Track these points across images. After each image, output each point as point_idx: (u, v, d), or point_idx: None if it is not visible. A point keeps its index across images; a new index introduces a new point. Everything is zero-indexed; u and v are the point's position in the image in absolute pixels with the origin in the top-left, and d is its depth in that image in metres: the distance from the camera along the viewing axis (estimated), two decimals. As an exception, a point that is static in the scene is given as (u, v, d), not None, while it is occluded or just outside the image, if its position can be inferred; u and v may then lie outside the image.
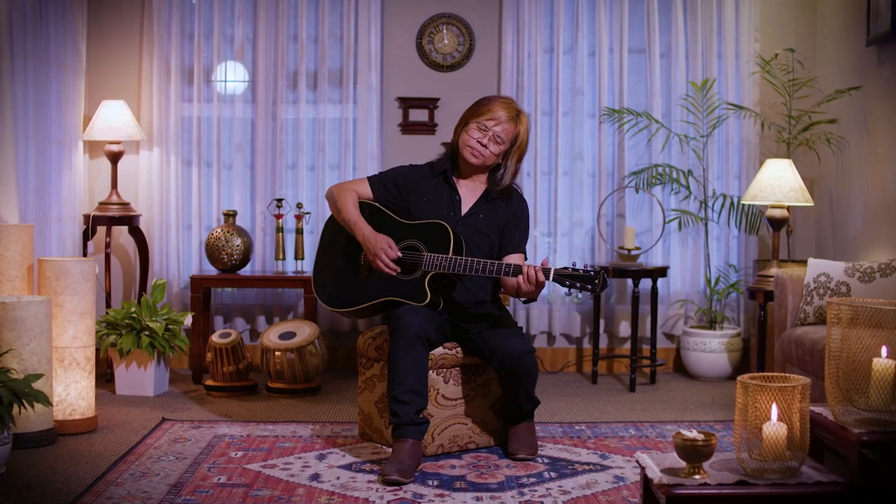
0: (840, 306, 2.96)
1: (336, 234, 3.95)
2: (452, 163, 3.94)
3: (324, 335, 5.53)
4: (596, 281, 3.50)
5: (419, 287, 3.69)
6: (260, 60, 5.60)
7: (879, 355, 2.90)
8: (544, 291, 5.71)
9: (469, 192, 3.93)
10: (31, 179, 4.74)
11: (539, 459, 3.82)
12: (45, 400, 3.62)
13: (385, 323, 3.94)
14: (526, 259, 3.95)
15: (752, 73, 5.62)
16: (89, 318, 4.25)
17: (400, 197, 3.92)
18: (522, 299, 3.67)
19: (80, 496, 3.29)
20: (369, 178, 3.98)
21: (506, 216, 3.91)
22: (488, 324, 3.86)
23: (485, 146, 3.81)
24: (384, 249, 3.73)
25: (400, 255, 3.74)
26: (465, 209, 3.90)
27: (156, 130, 5.55)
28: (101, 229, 5.36)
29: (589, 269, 3.52)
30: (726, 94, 5.64)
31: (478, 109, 3.86)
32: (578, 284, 3.52)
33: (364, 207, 3.91)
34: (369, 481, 3.51)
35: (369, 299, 3.78)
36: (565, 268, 3.56)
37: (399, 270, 3.74)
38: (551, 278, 3.54)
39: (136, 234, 5.48)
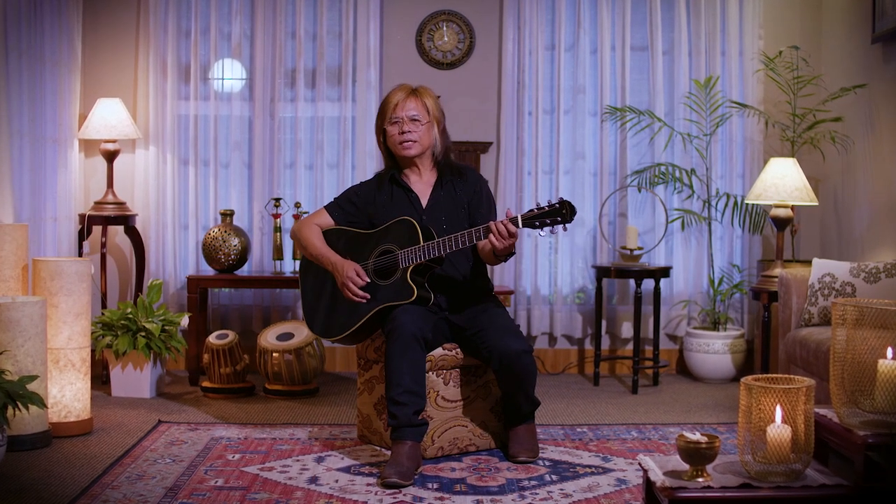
0: (845, 307, 2.96)
1: (311, 269, 4.02)
2: (397, 167, 4.02)
3: (322, 336, 5.52)
4: (563, 211, 3.52)
5: (403, 285, 3.72)
6: (257, 58, 5.60)
7: (885, 357, 2.90)
8: (546, 291, 5.71)
9: (423, 185, 3.99)
10: (25, 178, 4.74)
11: (540, 462, 3.82)
12: (40, 402, 3.62)
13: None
14: None
15: (756, 70, 5.62)
16: (85, 318, 4.25)
17: (359, 213, 4.00)
18: (502, 258, 3.69)
19: (75, 499, 3.29)
20: (326, 207, 4.06)
21: (466, 194, 3.97)
22: (487, 323, 3.84)
23: (408, 132, 3.89)
24: (351, 278, 3.79)
25: (367, 280, 3.79)
26: (424, 202, 3.96)
27: (152, 129, 5.55)
28: (97, 229, 5.36)
29: (553, 202, 3.54)
30: (730, 92, 5.64)
31: (382, 112, 3.96)
32: (549, 220, 3.53)
33: (333, 234, 3.99)
34: (368, 484, 3.51)
35: (360, 318, 3.80)
36: (530, 210, 3.58)
37: (368, 297, 3.78)
38: (520, 225, 3.56)
39: (133, 233, 5.48)
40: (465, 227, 3.90)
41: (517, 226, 3.56)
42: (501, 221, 3.58)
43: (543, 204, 3.56)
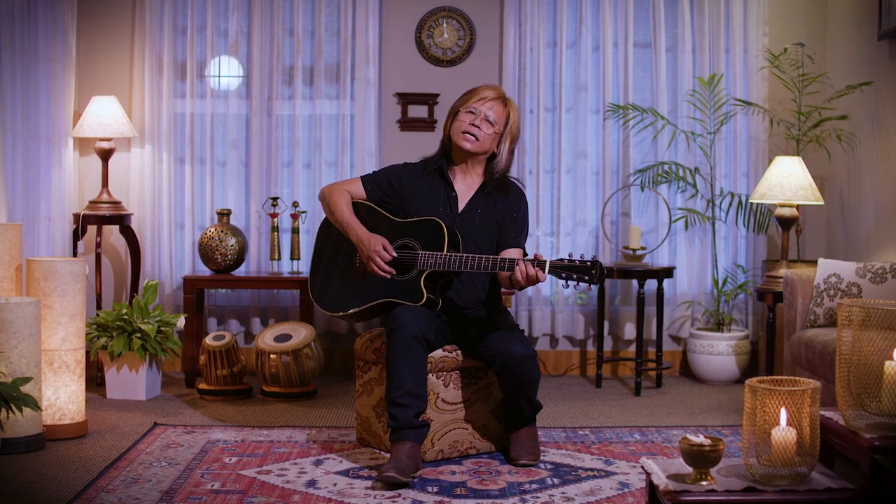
0: (851, 308, 2.96)
1: (331, 236, 3.97)
2: (447, 158, 3.96)
3: (320, 337, 5.52)
4: (593, 272, 3.51)
5: (415, 286, 3.70)
6: (255, 55, 5.60)
7: (891, 358, 2.90)
8: (546, 292, 5.71)
9: (465, 187, 3.94)
10: (18, 177, 4.74)
11: (541, 465, 3.82)
12: (34, 404, 3.61)
13: (383, 325, 3.94)
14: (525, 255, 3.96)
15: (761, 67, 5.62)
16: (79, 319, 4.25)
17: (395, 196, 3.94)
18: (520, 289, 3.69)
19: (69, 503, 3.29)
20: (363, 178, 4.00)
21: (503, 210, 3.92)
22: (490, 327, 3.86)
23: (477, 127, 3.85)
24: (378, 252, 3.74)
25: (395, 255, 3.75)
26: (461, 205, 3.92)
27: (147, 127, 5.55)
28: (92, 228, 5.36)
29: (585, 259, 3.53)
30: (734, 90, 5.64)
31: (464, 97, 3.93)
32: (575, 276, 3.53)
33: (359, 207, 3.93)
34: (367, 487, 3.51)
35: (365, 302, 3.78)
36: (561, 259, 3.57)
37: (394, 272, 3.74)
38: (547, 271, 3.55)
39: (128, 233, 5.48)
40: (494, 241, 3.88)
41: (543, 271, 3.56)
42: (529, 261, 3.56)
43: (576, 258, 3.54)
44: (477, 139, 3.85)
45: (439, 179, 3.93)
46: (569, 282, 3.54)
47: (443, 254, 3.68)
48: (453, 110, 3.92)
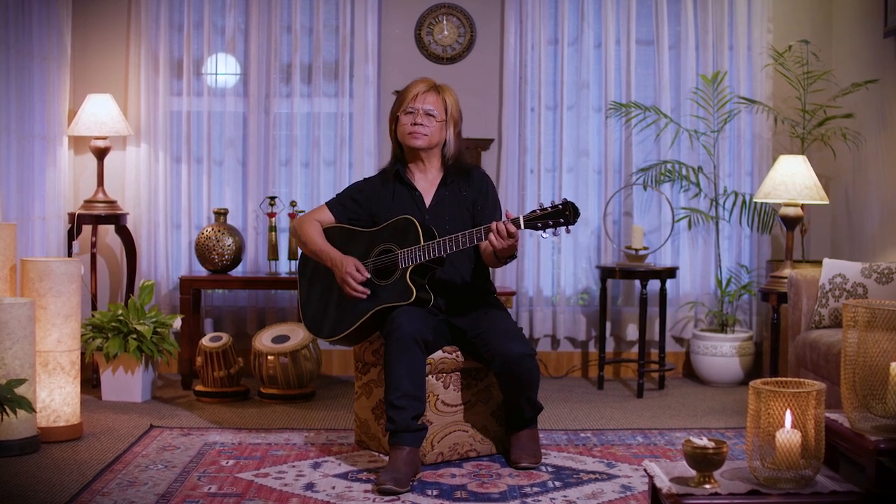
0: (856, 308, 2.96)
1: (310, 266, 4.03)
2: (402, 163, 4.02)
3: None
4: (567, 213, 3.53)
5: (403, 285, 3.72)
6: (252, 52, 5.60)
7: (897, 359, 2.90)
8: (548, 292, 5.71)
9: (427, 184, 4.00)
10: (13, 176, 4.74)
11: (543, 468, 3.82)
12: (29, 406, 3.61)
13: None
14: None
15: (765, 65, 5.62)
16: (74, 320, 4.25)
17: (362, 211, 4.01)
18: (504, 259, 3.70)
19: (64, 506, 3.30)
20: (327, 204, 4.07)
21: (471, 194, 3.98)
22: (489, 326, 3.84)
23: (421, 124, 3.90)
24: (350, 273, 3.80)
25: (368, 276, 3.80)
26: (428, 201, 3.97)
27: (143, 125, 5.55)
28: (87, 228, 5.36)
29: (556, 203, 3.54)
30: (738, 88, 5.64)
31: (398, 101, 3.98)
32: (551, 222, 3.54)
33: (332, 232, 3.99)
34: (366, 491, 3.51)
35: (359, 318, 3.80)
36: (533, 211, 3.58)
37: (368, 293, 3.78)
38: (522, 226, 3.57)
39: (123, 233, 5.48)
40: (469, 227, 3.90)
41: (518, 226, 3.57)
42: (502, 222, 3.58)
43: (546, 205, 3.56)
44: (425, 134, 3.92)
45: (399, 184, 3.99)
46: (546, 230, 3.54)
47: (420, 245, 3.70)
48: (393, 116, 4.00)
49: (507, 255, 3.66)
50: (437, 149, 3.98)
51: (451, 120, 3.96)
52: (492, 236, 3.58)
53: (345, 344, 3.95)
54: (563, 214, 3.53)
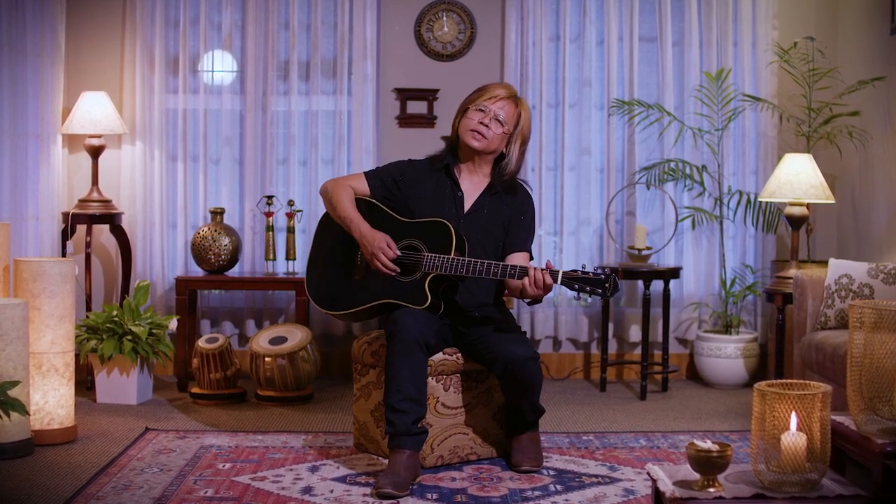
0: (863, 309, 2.96)
1: (331, 232, 3.96)
2: (454, 156, 3.96)
3: (317, 340, 5.52)
4: (607, 285, 3.50)
5: (419, 289, 3.70)
6: (249, 49, 5.60)
7: (904, 361, 2.90)
8: (550, 294, 5.69)
9: (472, 186, 3.94)
10: (6, 176, 4.74)
11: (544, 471, 3.82)
12: (22, 409, 3.61)
13: (382, 327, 3.94)
14: (532, 259, 3.96)
15: (770, 62, 5.62)
16: (68, 321, 4.25)
17: (399, 193, 3.93)
18: (527, 301, 3.68)
19: (58, 510, 3.30)
20: (366, 174, 3.99)
21: (510, 212, 3.92)
22: (490, 328, 3.86)
23: (486, 126, 3.85)
24: (382, 249, 3.74)
25: (399, 254, 3.75)
26: (467, 205, 3.92)
27: (139, 123, 5.56)
28: (81, 228, 5.36)
29: (598, 271, 3.52)
30: (742, 85, 5.64)
31: (475, 94, 3.92)
32: (588, 288, 3.52)
33: (361, 204, 3.92)
34: (364, 494, 3.51)
35: (366, 302, 3.78)
36: (574, 270, 3.56)
37: (399, 271, 3.74)
38: (559, 282, 3.55)
39: (118, 233, 5.48)
40: (500, 244, 3.88)
41: (555, 280, 3.56)
42: (540, 270, 3.56)
43: (589, 269, 3.54)
44: (486, 138, 3.85)
45: (445, 178, 3.94)
46: (581, 294, 3.54)
47: (450, 257, 3.67)
48: (463, 107, 3.93)
49: (535, 299, 3.65)
50: (491, 156, 3.93)
51: (518, 135, 3.91)
52: (526, 280, 3.57)
53: (342, 318, 3.93)
54: (602, 285, 3.51)
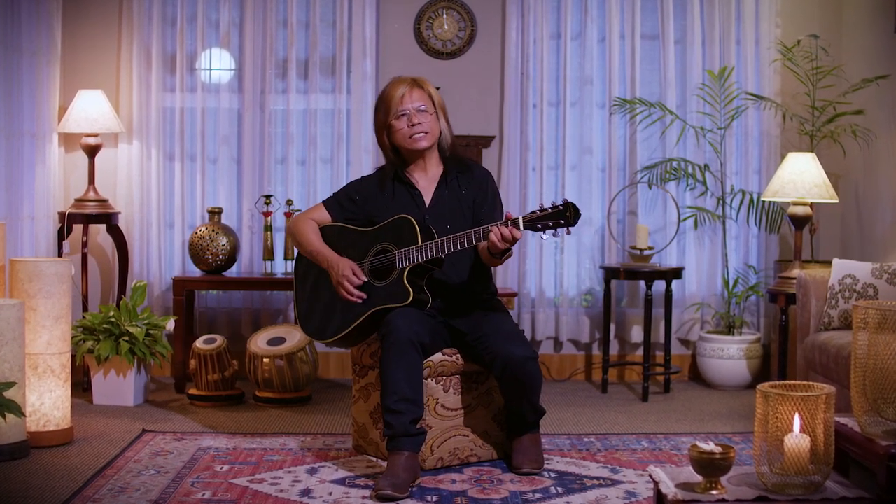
0: (867, 310, 2.96)
1: (308, 266, 4.03)
2: (402, 163, 4.01)
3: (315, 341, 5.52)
4: (567, 214, 3.53)
5: (399, 286, 3.73)
6: (247, 47, 5.60)
7: (909, 362, 2.90)
8: (551, 294, 5.71)
9: (427, 182, 4.00)
10: (1, 175, 4.74)
11: (545, 473, 3.82)
12: (18, 410, 3.61)
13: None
14: None
15: (773, 60, 5.62)
16: (65, 322, 4.25)
17: (359, 210, 4.01)
18: (500, 258, 3.71)
19: (54, 513, 3.30)
20: (324, 203, 4.07)
21: (471, 192, 3.98)
22: (489, 328, 3.84)
23: (419, 123, 3.90)
24: (346, 276, 3.81)
25: (364, 279, 3.80)
26: (427, 199, 3.97)
27: (136, 122, 5.56)
28: (78, 228, 5.36)
29: (556, 203, 3.55)
30: (745, 84, 5.64)
31: (385, 108, 3.94)
32: (551, 223, 3.55)
33: (329, 231, 4.00)
34: (363, 497, 3.51)
35: (356, 318, 3.80)
36: (532, 212, 3.59)
37: (364, 297, 3.79)
38: (521, 227, 3.58)
39: (115, 232, 5.48)
40: (470, 226, 3.90)
41: (518, 228, 3.57)
42: (502, 223, 3.59)
43: (546, 205, 3.57)
44: (426, 132, 3.92)
45: (398, 184, 4.00)
46: (546, 231, 3.56)
47: (418, 246, 3.71)
48: (383, 125, 3.95)
49: (504, 253, 3.67)
50: (435, 143, 3.99)
51: (440, 109, 3.98)
52: (492, 237, 3.59)
53: (341, 346, 3.96)
54: (563, 215, 3.54)
